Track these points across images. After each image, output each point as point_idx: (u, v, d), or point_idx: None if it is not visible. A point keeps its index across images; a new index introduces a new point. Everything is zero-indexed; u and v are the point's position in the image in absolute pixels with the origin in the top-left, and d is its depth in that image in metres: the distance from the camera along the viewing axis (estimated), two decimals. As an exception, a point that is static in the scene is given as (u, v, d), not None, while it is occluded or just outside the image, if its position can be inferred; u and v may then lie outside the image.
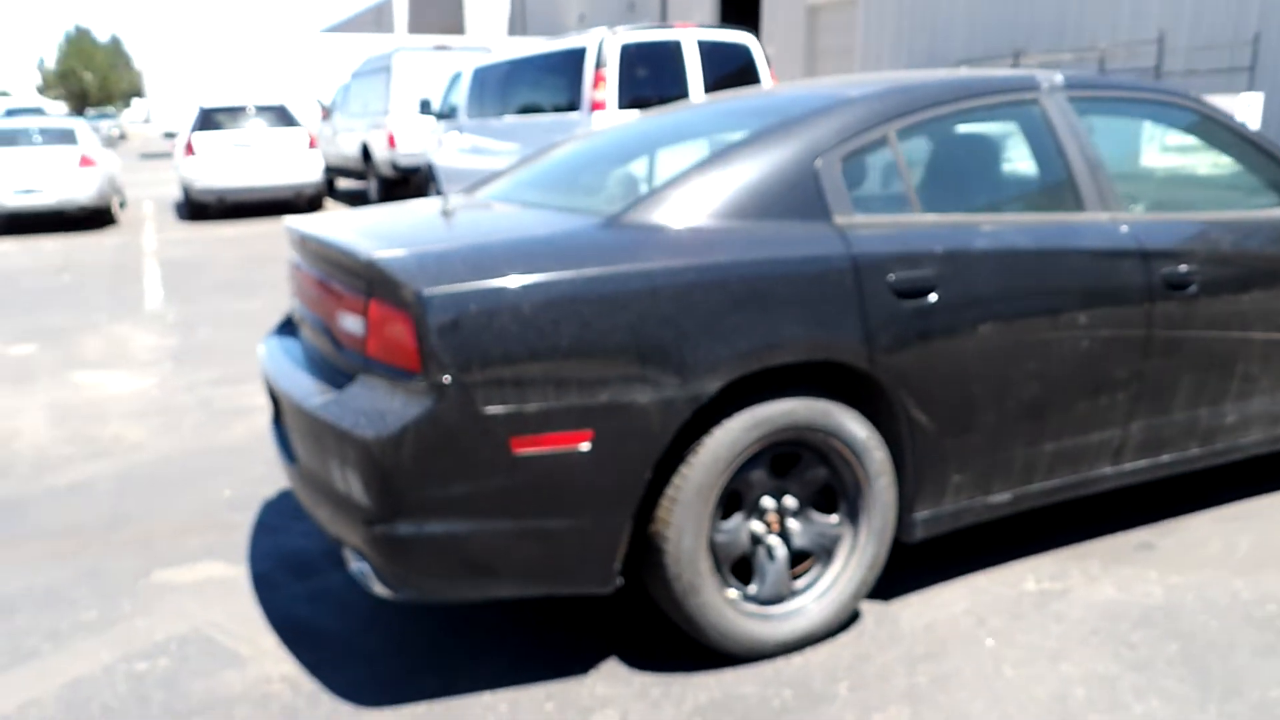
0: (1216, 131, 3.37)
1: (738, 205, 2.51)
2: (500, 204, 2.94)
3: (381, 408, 2.20)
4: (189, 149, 13.61)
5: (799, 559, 2.70)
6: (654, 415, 2.28)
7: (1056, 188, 2.99)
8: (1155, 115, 3.39)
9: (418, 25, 49.79)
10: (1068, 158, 2.99)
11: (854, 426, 2.57)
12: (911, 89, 2.86)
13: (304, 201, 14.31)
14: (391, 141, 13.41)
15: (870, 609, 2.87)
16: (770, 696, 2.43)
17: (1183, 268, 3.00)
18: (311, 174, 13.97)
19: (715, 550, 2.51)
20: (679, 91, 8.37)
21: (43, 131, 13.95)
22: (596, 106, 8.14)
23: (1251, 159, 3.40)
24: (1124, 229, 2.95)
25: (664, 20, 32.59)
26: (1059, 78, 3.10)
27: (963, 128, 3.01)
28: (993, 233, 2.74)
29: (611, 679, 2.52)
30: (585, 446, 2.24)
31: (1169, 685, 2.45)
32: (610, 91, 8.07)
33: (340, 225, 2.68)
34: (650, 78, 8.34)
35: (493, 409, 2.17)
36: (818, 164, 2.61)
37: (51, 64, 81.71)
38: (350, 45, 31.99)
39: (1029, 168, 3.09)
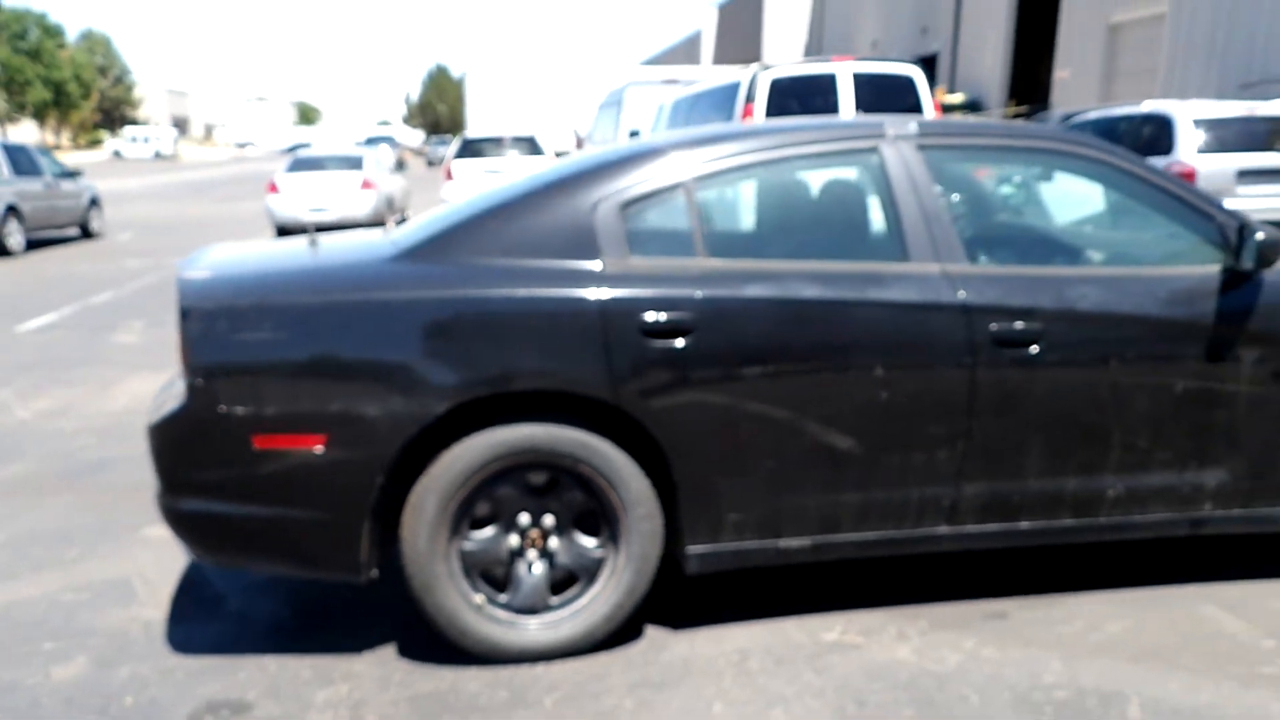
0: (1121, 182, 3.11)
1: (511, 245, 2.77)
2: (362, 236, 3.36)
3: (167, 401, 2.71)
4: (448, 174, 15.24)
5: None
6: (381, 427, 2.61)
7: (879, 237, 2.96)
8: (1044, 164, 3.20)
9: (723, 56, 51.42)
10: (898, 207, 2.94)
11: (609, 455, 2.74)
12: (722, 137, 2.96)
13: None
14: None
15: (652, 633, 2.99)
16: (484, 695, 2.67)
17: (1019, 325, 2.85)
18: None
19: (465, 557, 2.77)
20: (830, 124, 8.37)
21: (339, 159, 16.17)
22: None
23: (1160, 212, 3.11)
24: (948, 282, 2.86)
25: (955, 43, 31.58)
26: (912, 126, 3.04)
27: (781, 175, 3.05)
28: (773, 280, 2.78)
29: (372, 660, 2.86)
30: (319, 449, 2.61)
31: (860, 746, 2.41)
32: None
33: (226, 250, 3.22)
34: (801, 111, 8.43)
35: (236, 409, 2.60)
36: (598, 210, 2.81)
37: (416, 98, 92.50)
38: (659, 76, 33.65)
39: (851, 216, 3.07)
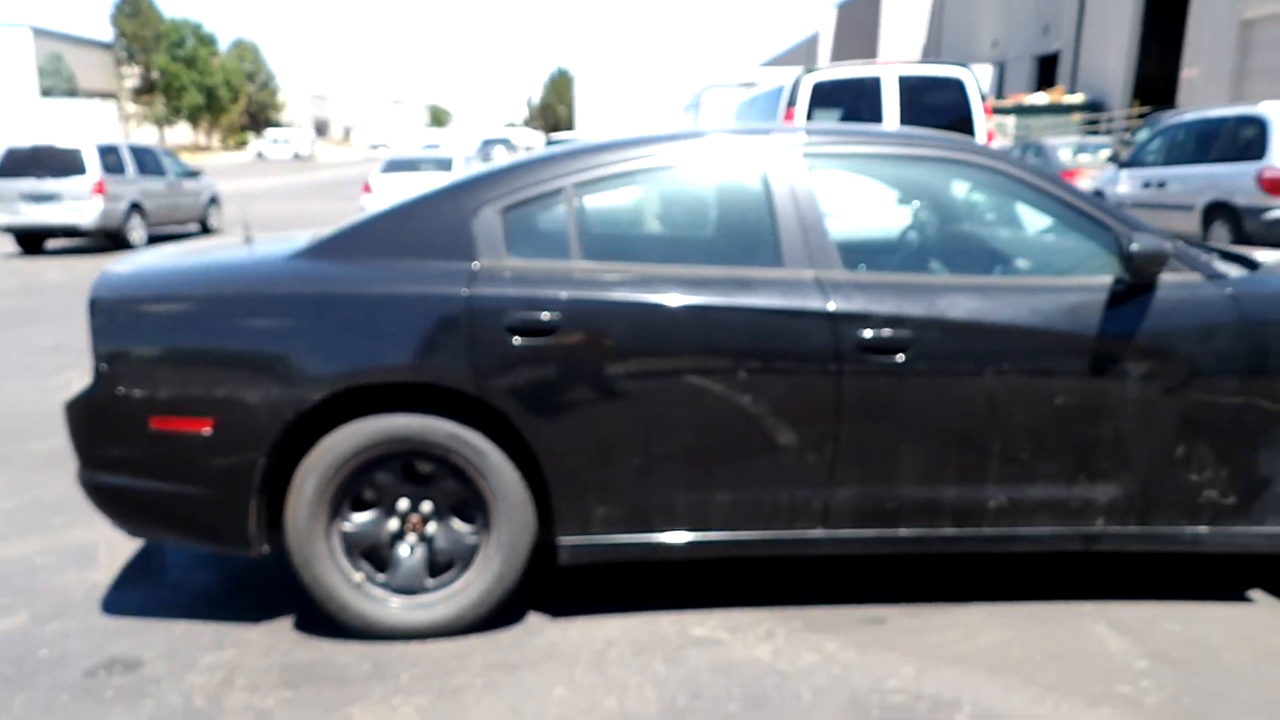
0: (1013, 190, 3.07)
1: (396, 246, 2.95)
2: (292, 236, 3.58)
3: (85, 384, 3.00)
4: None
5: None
6: (262, 413, 2.83)
7: (756, 243, 3.01)
8: (934, 173, 3.17)
9: (841, 56, 50.72)
10: (776, 214, 2.99)
11: (477, 446, 2.89)
12: (609, 146, 3.07)
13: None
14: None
15: (533, 619, 3.12)
16: (350, 667, 2.85)
17: (887, 332, 2.86)
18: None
19: (346, 537, 2.97)
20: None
21: (431, 160, 16.80)
22: (784, 143, 8.33)
23: (1055, 221, 3.06)
24: (818, 288, 2.90)
25: (1077, 42, 30.37)
26: (801, 134, 3.09)
27: (663, 182, 3.12)
28: (641, 283, 2.88)
29: (268, 630, 3.08)
30: (207, 431, 2.85)
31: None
32: (797, 129, 8.22)
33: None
34: (845, 115, 8.36)
35: (135, 392, 2.86)
36: (480, 213, 2.96)
37: (538, 100, 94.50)
38: (776, 78, 33.55)
39: (730, 222, 3.12)
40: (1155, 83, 26.96)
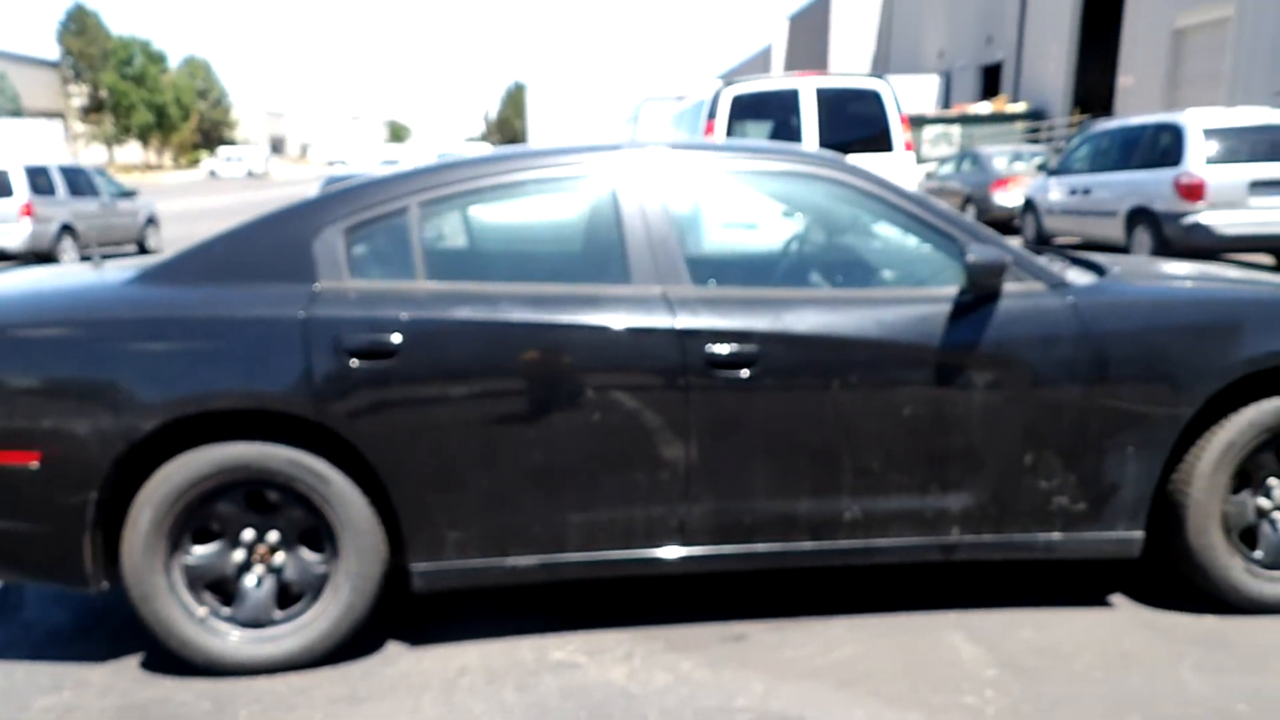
0: (863, 203, 3.08)
1: (233, 269, 2.90)
2: (137, 261, 3.50)
3: None
4: None
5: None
6: (92, 445, 2.74)
7: (603, 259, 2.99)
8: (784, 185, 3.18)
9: (793, 68, 51.15)
10: (624, 230, 2.97)
11: (321, 472, 2.83)
12: (456, 164, 3.03)
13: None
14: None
15: (392, 647, 3.06)
16: (189, 705, 2.77)
17: (734, 347, 2.85)
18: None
19: (188, 570, 2.89)
20: (793, 139, 8.34)
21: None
22: (703, 156, 8.36)
23: (906, 234, 3.07)
24: (665, 304, 2.88)
25: (1019, 52, 30.85)
26: (652, 148, 3.07)
27: (513, 199, 3.09)
28: (485, 302, 2.84)
29: (111, 669, 2.99)
30: (34, 464, 2.76)
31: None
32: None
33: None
34: (763, 127, 8.40)
35: (-40, 426, 2.76)
36: (321, 234, 2.91)
37: (495, 115, 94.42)
38: (706, 90, 33.57)
39: (580, 239, 3.10)
40: (1094, 91, 27.42)
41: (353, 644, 3.02)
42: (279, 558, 2.93)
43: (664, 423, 2.87)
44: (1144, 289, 3.08)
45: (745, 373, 2.86)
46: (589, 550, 2.96)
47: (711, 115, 8.35)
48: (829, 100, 8.39)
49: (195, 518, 2.87)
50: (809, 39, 48.98)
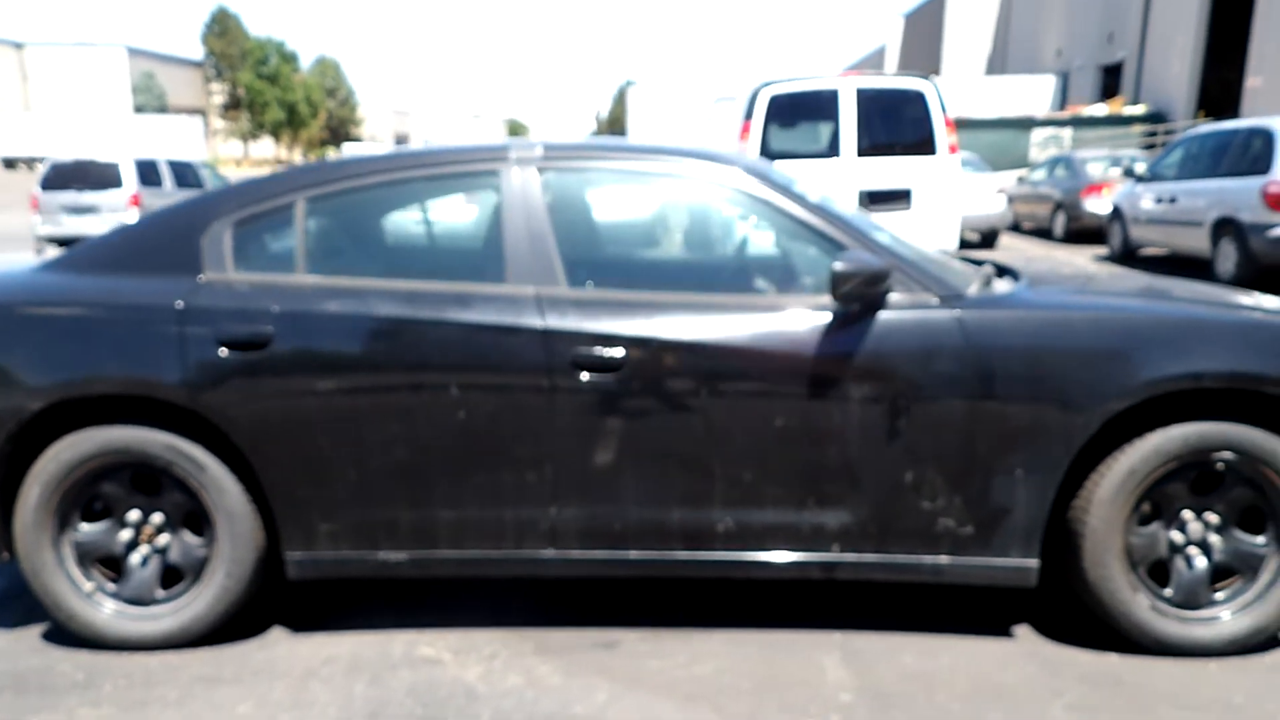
0: (752, 207, 2.99)
1: (126, 260, 3.01)
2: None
3: None
4: None
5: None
6: (-14, 426, 2.90)
7: (483, 258, 2.99)
8: (671, 187, 3.11)
9: (907, 68, 50.01)
10: (503, 229, 2.96)
11: (197, 458, 2.92)
12: (347, 162, 3.08)
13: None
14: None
15: (275, 633, 3.13)
16: (64, 676, 2.90)
17: (600, 350, 2.81)
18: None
19: (77, 546, 3.02)
20: (830, 142, 8.16)
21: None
22: (739, 157, 8.26)
23: (795, 240, 2.97)
24: (536, 305, 2.86)
25: (1141, 51, 29.42)
26: (539, 149, 3.06)
27: (399, 197, 3.12)
28: (357, 297, 2.88)
29: (13, 638, 3.15)
30: (-67, 447, 2.93)
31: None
32: (753, 143, 8.14)
33: None
34: (801, 129, 8.25)
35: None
36: (209, 228, 3.00)
37: (606, 113, 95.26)
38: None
39: (461, 237, 3.10)
40: (1220, 93, 25.94)
41: (239, 626, 3.10)
42: (163, 539, 3.04)
43: (530, 424, 2.86)
44: (1042, 302, 2.90)
45: (612, 377, 2.82)
46: (459, 548, 2.97)
47: (747, 116, 8.24)
48: (870, 101, 8.17)
49: (83, 497, 2.99)
50: (923, 38, 47.80)
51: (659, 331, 2.83)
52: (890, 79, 8.31)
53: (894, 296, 2.86)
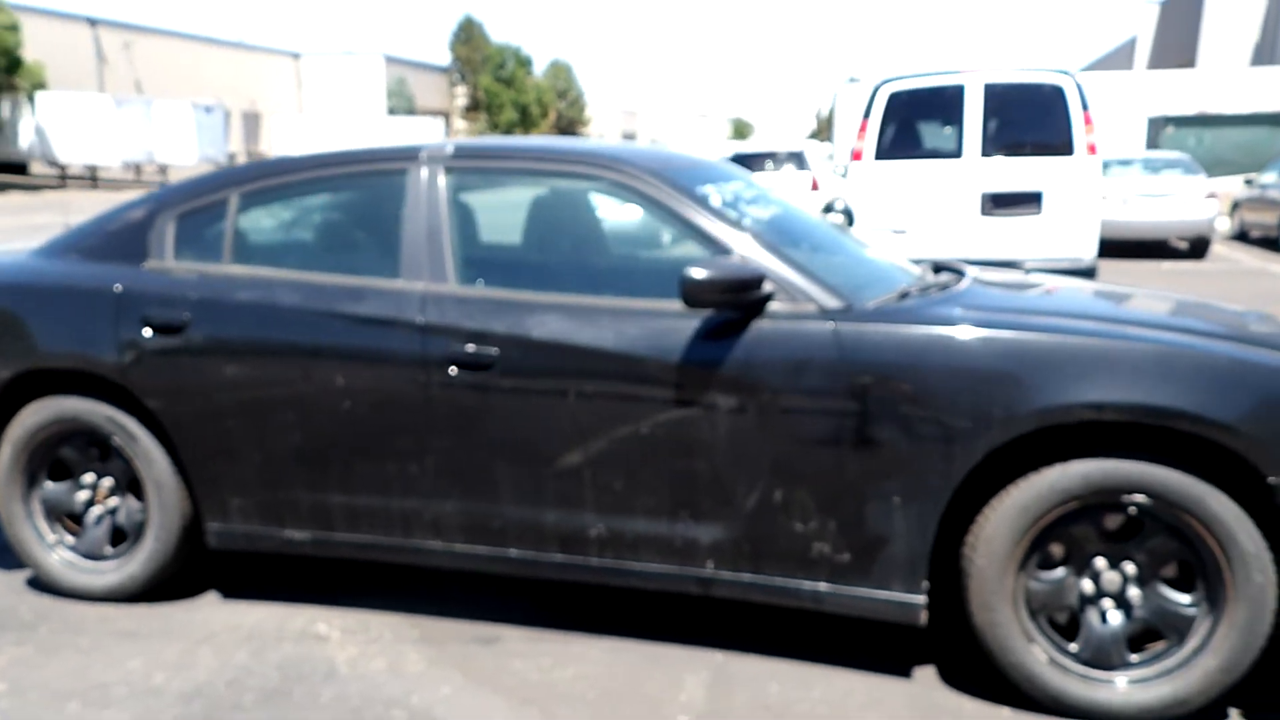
0: (648, 208, 2.90)
1: (92, 247, 3.32)
2: None
3: None
4: None
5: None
6: (-34, 389, 3.28)
7: (383, 254, 3.06)
8: (574, 187, 3.05)
9: (1160, 61, 46.11)
10: (403, 226, 3.03)
11: (130, 429, 3.19)
12: (278, 161, 3.25)
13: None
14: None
15: (209, 597, 3.35)
16: (16, 614, 3.25)
17: (473, 348, 2.83)
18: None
19: (44, 503, 3.36)
20: (953, 142, 7.70)
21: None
22: (854, 156, 7.96)
23: (681, 242, 2.86)
24: (419, 301, 2.92)
25: None
26: (449, 147, 3.10)
27: (313, 192, 3.24)
28: (264, 288, 3.05)
29: (6, 580, 3.54)
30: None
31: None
32: (869, 142, 7.82)
33: None
34: (923, 127, 7.84)
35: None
36: (157, 220, 3.26)
37: (826, 113, 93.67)
38: (1100, 86, 31.21)
39: (366, 233, 3.18)
40: None
41: (182, 586, 3.35)
42: (114, 501, 3.32)
43: (410, 418, 2.92)
44: (935, 317, 2.65)
45: (484, 375, 2.83)
46: (355, 532, 3.07)
47: (866, 114, 7.90)
48: (999, 97, 7.62)
49: (48, 458, 3.33)
50: (1179, 27, 43.88)
51: (531, 331, 2.81)
52: (1024, 73, 7.71)
53: (774, 305, 2.70)
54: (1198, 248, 14.40)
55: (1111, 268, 12.86)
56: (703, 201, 2.86)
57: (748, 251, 2.76)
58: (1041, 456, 2.52)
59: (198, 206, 3.25)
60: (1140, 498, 2.46)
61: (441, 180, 3.05)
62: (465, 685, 2.78)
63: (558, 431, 2.81)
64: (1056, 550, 2.59)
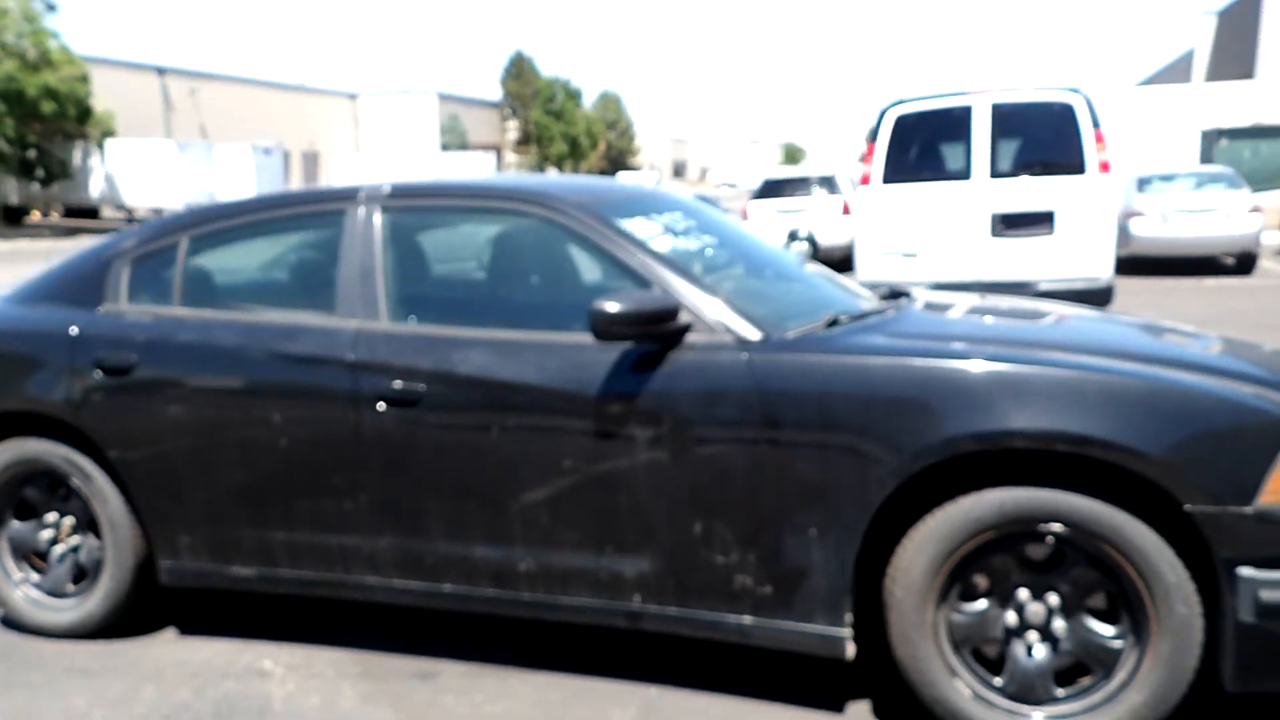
0: (575, 243, 2.92)
1: (43, 293, 3.44)
2: None
3: None
4: (744, 214, 15.72)
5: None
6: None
7: (320, 292, 3.11)
8: (504, 224, 3.09)
9: (1218, 73, 45.10)
10: (340, 265, 3.08)
11: (85, 470, 3.27)
12: (225, 205, 3.34)
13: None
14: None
15: (166, 633, 3.41)
16: (-19, 651, 3.34)
17: (399, 384, 2.86)
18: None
19: (10, 540, 3.45)
20: (961, 163, 7.60)
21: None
22: (863, 181, 7.90)
23: (606, 277, 2.87)
24: (351, 339, 2.96)
25: None
26: (386, 187, 3.15)
27: (257, 234, 3.30)
28: (201, 327, 3.12)
29: (-22, 612, 3.64)
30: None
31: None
32: (877, 165, 7.75)
33: None
34: (929, 150, 7.75)
35: None
36: (113, 264, 3.36)
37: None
38: (1155, 99, 30.70)
39: (308, 273, 3.23)
40: None
41: (140, 623, 3.41)
42: (75, 540, 3.41)
43: (344, 454, 2.95)
44: (852, 345, 2.61)
45: (412, 411, 2.85)
46: (298, 569, 3.11)
47: (872, 138, 7.84)
48: (1007, 118, 7.50)
49: (14, 498, 3.42)
50: (1238, 37, 42.90)
51: (456, 367, 2.83)
52: (1033, 92, 7.59)
53: (691, 337, 2.69)
54: (1244, 263, 13.99)
55: (1151, 286, 12.56)
56: (624, 235, 2.87)
57: (667, 283, 2.75)
58: (963, 487, 2.46)
59: (150, 250, 3.34)
60: (1057, 527, 2.39)
61: (377, 219, 3.10)
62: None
63: (484, 466, 2.82)
64: (981, 582, 2.53)
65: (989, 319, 3.12)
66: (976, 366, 2.45)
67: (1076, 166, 7.36)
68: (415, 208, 3.15)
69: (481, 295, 3.28)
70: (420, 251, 3.21)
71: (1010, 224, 7.46)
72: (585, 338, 2.76)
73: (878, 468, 2.46)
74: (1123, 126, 27.28)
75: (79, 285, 3.39)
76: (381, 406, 2.87)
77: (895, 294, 3.45)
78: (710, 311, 2.71)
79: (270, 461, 3.03)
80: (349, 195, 3.17)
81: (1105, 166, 7.32)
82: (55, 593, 3.42)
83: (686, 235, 3.14)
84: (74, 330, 3.25)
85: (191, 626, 3.46)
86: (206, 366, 3.09)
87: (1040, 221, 7.43)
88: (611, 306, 2.56)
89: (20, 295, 3.53)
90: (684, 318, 2.69)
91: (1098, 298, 7.39)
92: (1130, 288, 12.40)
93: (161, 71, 49.88)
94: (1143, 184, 14.85)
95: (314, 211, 3.24)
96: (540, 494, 2.78)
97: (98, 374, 3.18)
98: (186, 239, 3.31)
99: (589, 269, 2.95)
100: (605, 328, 2.57)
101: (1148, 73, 65.14)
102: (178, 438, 3.11)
